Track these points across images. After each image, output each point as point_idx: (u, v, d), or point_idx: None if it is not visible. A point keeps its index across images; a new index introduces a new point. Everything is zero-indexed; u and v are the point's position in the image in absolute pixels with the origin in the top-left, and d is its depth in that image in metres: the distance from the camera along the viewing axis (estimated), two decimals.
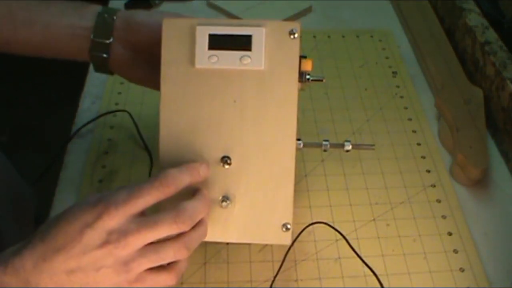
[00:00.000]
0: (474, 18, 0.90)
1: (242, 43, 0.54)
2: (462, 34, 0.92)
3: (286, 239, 0.57)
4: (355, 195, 0.72)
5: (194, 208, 0.50)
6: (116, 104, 0.84)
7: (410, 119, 0.83)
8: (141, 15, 0.63)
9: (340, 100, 0.87)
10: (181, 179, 0.50)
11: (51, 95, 2.03)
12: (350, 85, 0.90)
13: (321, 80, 0.60)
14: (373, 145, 0.62)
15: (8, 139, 1.92)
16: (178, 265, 0.51)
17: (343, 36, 1.00)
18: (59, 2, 0.65)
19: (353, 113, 0.84)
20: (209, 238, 0.57)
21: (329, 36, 1.00)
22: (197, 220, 0.51)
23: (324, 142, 0.60)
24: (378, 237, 0.67)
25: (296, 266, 0.64)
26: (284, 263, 0.61)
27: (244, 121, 0.55)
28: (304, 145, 0.59)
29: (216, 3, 1.05)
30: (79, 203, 0.48)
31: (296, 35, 0.54)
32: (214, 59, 0.54)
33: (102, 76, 0.90)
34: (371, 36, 1.00)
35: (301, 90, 0.57)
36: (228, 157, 0.55)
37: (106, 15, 0.63)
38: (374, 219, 0.69)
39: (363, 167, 0.76)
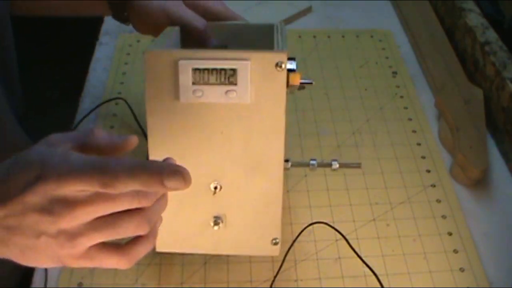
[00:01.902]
0: (474, 18, 0.90)
1: (227, 77, 0.52)
2: (462, 34, 0.92)
3: (275, 251, 0.58)
4: (355, 195, 0.72)
5: (156, 212, 0.45)
6: (116, 104, 0.84)
7: (410, 119, 0.83)
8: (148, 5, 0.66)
9: (340, 100, 0.87)
10: (127, 184, 0.41)
11: (51, 95, 2.03)
12: (350, 85, 0.90)
13: (311, 83, 0.59)
14: (360, 163, 0.62)
15: None
16: (135, 249, 0.44)
17: (343, 36, 1.00)
18: None
19: (353, 113, 0.84)
20: (201, 251, 0.60)
21: (329, 36, 1.00)
22: (160, 194, 0.45)
23: (311, 162, 0.61)
24: (378, 237, 0.67)
25: (296, 266, 0.64)
26: (284, 263, 0.61)
27: (231, 150, 0.54)
28: (292, 165, 0.59)
29: None
30: (32, 149, 0.43)
31: (283, 66, 0.52)
32: (199, 93, 0.52)
33: (102, 76, 0.90)
34: (371, 36, 1.00)
35: (290, 93, 0.56)
36: (219, 185, 0.56)
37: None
38: (374, 219, 0.69)
39: (363, 167, 0.76)
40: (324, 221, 0.64)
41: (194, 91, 0.52)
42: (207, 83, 0.51)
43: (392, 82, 0.90)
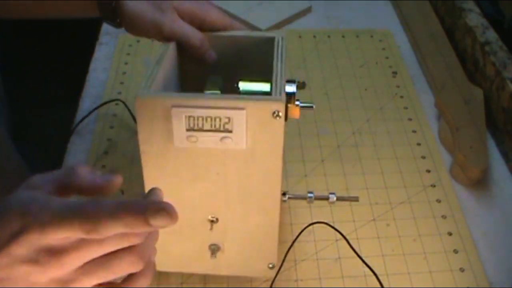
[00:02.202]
0: (474, 18, 0.90)
1: (222, 125, 0.50)
2: (462, 34, 0.92)
3: (271, 273, 0.60)
4: (355, 195, 0.72)
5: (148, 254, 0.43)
6: (116, 104, 0.84)
7: (410, 119, 0.83)
8: (131, 5, 0.61)
9: (340, 100, 0.87)
10: (111, 229, 0.39)
11: (51, 95, 2.03)
12: (350, 85, 0.90)
13: (311, 107, 0.57)
14: (357, 196, 0.61)
15: None
16: (136, 282, 0.43)
17: (343, 36, 1.00)
18: None
19: (353, 113, 0.84)
20: (200, 271, 0.61)
21: (329, 36, 1.00)
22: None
23: (309, 195, 0.60)
24: (378, 237, 0.67)
25: (296, 266, 0.64)
26: (284, 263, 0.61)
27: (228, 188, 0.54)
28: (289, 197, 0.59)
29: (216, 3, 1.04)
30: (13, 197, 0.42)
31: (280, 115, 0.49)
32: (194, 139, 0.50)
33: (102, 76, 0.90)
34: (371, 36, 1.00)
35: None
36: (215, 218, 0.56)
37: (104, 1, 0.62)
38: (374, 219, 0.69)
39: (363, 167, 0.76)
40: (324, 221, 0.64)
41: (188, 137, 0.50)
42: (201, 130, 0.50)
43: (392, 82, 0.90)
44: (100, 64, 0.92)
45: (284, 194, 0.58)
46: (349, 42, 0.99)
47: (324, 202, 0.71)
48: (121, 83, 0.88)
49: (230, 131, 0.50)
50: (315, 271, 0.64)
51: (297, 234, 0.63)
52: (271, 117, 0.49)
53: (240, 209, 0.55)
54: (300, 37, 1.00)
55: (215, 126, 0.50)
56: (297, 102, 0.55)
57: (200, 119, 0.49)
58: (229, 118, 0.49)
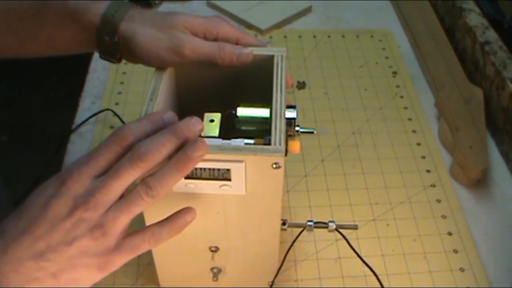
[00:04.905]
0: (474, 18, 0.90)
1: (221, 174, 0.49)
2: (462, 34, 0.92)
3: None
4: (355, 195, 0.72)
5: (149, 143, 0.44)
6: (116, 104, 0.84)
7: (410, 119, 0.83)
8: (141, 37, 0.57)
9: (340, 100, 0.87)
10: (138, 128, 0.45)
11: (51, 95, 2.03)
12: (350, 85, 0.90)
13: (312, 133, 0.57)
14: (356, 224, 0.61)
15: (8, 139, 1.92)
16: (155, 227, 0.47)
17: (343, 36, 1.00)
18: (54, 8, 0.61)
19: (353, 113, 0.84)
20: (203, 286, 0.61)
21: (329, 36, 1.00)
22: (157, 155, 0.45)
23: (308, 223, 0.60)
24: (378, 237, 0.67)
25: (296, 266, 0.64)
26: (284, 263, 0.61)
27: (227, 224, 0.54)
28: (289, 226, 0.59)
29: (216, 3, 1.05)
30: (41, 185, 0.44)
31: (280, 165, 0.48)
32: (192, 186, 0.50)
33: (102, 76, 0.90)
34: (371, 36, 1.00)
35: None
36: (216, 247, 0.57)
37: (107, 38, 0.58)
38: (374, 219, 0.69)
39: (363, 167, 0.76)
40: (324, 221, 0.64)
41: (187, 184, 0.50)
42: (199, 178, 0.50)
43: (392, 82, 0.90)
44: (100, 64, 0.92)
45: (284, 223, 0.58)
46: (349, 42, 0.99)
47: (325, 202, 0.71)
48: (121, 83, 0.88)
49: (229, 180, 0.49)
50: (315, 271, 0.64)
51: (297, 234, 0.63)
52: (270, 168, 0.48)
53: (240, 241, 0.56)
54: (300, 37, 1.00)
55: (213, 175, 0.49)
56: (297, 128, 0.55)
57: (199, 169, 0.49)
58: (227, 169, 0.49)
